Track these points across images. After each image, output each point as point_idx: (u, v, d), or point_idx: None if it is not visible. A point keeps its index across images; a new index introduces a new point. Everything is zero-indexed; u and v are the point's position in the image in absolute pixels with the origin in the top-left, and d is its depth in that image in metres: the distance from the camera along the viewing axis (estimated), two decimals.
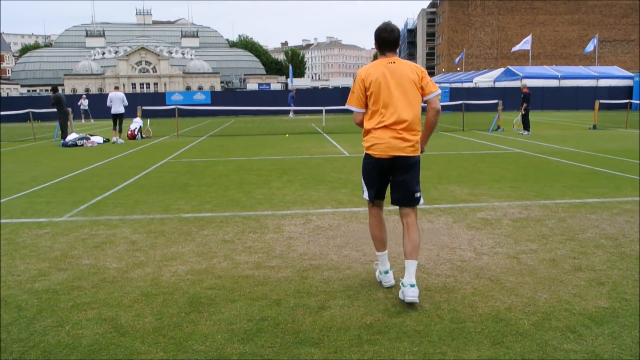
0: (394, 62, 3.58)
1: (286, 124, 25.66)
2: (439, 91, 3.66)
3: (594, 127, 19.04)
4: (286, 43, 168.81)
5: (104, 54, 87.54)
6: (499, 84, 40.82)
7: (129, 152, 13.58)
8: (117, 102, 16.82)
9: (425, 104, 3.69)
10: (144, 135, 18.12)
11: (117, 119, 16.71)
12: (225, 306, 3.50)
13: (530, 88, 18.74)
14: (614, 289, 3.66)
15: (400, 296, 3.49)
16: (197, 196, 7.36)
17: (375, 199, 3.76)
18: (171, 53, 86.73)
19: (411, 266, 3.49)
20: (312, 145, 14.23)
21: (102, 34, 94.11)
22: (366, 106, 3.65)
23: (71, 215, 6.30)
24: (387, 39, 3.60)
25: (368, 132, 3.65)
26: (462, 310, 3.36)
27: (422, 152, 3.72)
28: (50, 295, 3.76)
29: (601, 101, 21.16)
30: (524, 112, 17.08)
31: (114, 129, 16.63)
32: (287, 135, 18.16)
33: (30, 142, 17.83)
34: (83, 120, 31.04)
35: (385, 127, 3.54)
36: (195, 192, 7.70)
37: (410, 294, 3.39)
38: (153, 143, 16.17)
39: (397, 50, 3.73)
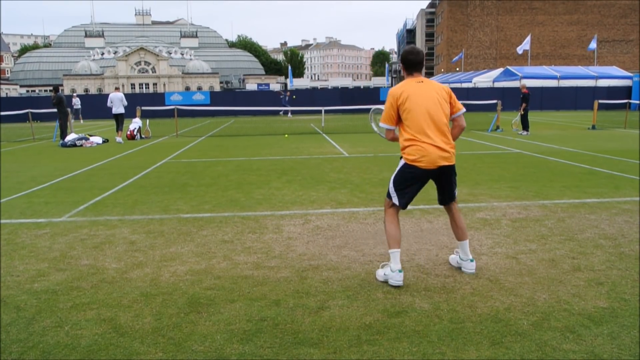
0: (422, 82, 3.94)
1: (285, 124, 25.66)
2: (465, 109, 4.06)
3: (593, 127, 19.05)
4: (285, 43, 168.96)
5: (103, 54, 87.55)
6: (498, 84, 40.86)
7: (128, 153, 13.57)
8: (117, 103, 16.99)
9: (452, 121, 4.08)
10: (143, 136, 18.11)
11: (118, 118, 16.87)
12: (224, 306, 3.50)
13: (529, 88, 18.75)
14: (613, 289, 3.66)
15: (464, 269, 4.11)
16: (196, 196, 7.35)
17: (402, 207, 4.03)
18: (170, 53, 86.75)
19: (465, 245, 4.10)
20: (311, 146, 14.23)
21: (101, 34, 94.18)
22: (398, 121, 3.98)
23: (70, 216, 6.30)
24: (414, 61, 3.96)
25: (410, 144, 3.89)
26: (461, 310, 3.36)
27: None
28: (49, 295, 3.76)
29: (600, 101, 21.17)
30: (523, 112, 17.11)
31: (118, 129, 16.72)
32: (286, 135, 18.16)
33: (30, 142, 17.82)
34: (82, 121, 31.01)
35: (426, 141, 3.83)
36: (194, 192, 7.69)
37: (470, 266, 4.07)
38: (152, 143, 16.17)
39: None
